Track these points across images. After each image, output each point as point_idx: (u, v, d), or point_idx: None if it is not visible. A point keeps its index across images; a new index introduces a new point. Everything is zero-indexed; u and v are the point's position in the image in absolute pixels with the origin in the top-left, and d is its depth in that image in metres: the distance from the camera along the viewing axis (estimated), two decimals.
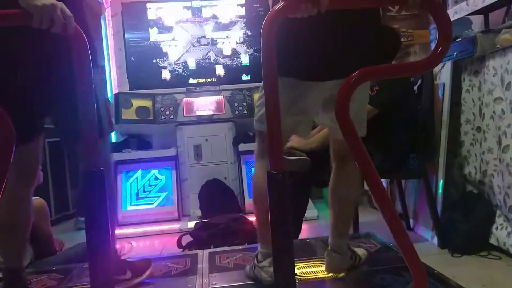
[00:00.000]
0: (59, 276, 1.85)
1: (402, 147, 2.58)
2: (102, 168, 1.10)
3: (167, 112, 3.86)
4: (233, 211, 3.35)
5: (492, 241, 2.29)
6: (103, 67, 3.61)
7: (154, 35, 4.02)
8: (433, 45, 2.26)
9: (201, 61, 4.07)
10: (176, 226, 3.51)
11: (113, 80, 4.10)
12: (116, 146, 3.82)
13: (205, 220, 2.98)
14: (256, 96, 3.72)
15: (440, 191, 2.56)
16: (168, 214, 3.65)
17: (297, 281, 1.49)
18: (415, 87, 2.74)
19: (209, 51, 4.08)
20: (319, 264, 1.74)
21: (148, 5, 4.02)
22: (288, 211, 1.07)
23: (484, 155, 2.33)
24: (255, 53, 4.08)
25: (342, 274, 1.64)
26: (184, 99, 3.90)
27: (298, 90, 1.50)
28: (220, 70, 4.07)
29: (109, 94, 3.76)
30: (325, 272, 1.66)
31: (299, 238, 2.36)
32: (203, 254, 2.01)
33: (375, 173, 1.12)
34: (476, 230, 2.32)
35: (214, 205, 3.52)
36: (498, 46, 2.17)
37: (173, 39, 4.04)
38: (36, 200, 2.13)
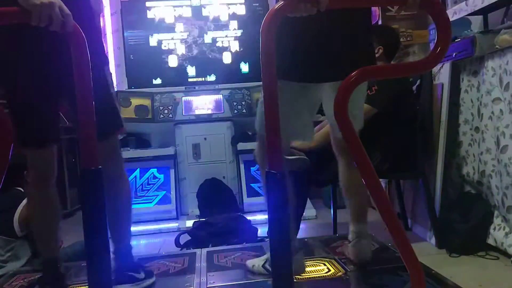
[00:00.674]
0: None
1: (401, 147, 2.59)
2: (100, 167, 1.10)
3: (166, 111, 3.85)
4: (231, 210, 3.35)
5: (490, 241, 2.29)
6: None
7: (153, 33, 4.01)
8: (432, 45, 2.27)
9: (200, 60, 4.06)
10: (174, 225, 3.50)
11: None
12: None
13: (204, 219, 2.98)
14: (255, 96, 3.73)
15: (438, 191, 2.57)
16: (166, 212, 3.65)
17: (295, 280, 1.50)
18: (414, 87, 2.74)
19: (208, 50, 4.08)
20: (317, 264, 1.75)
21: (147, 3, 4.02)
22: (287, 211, 1.07)
23: (482, 155, 2.33)
24: (255, 53, 4.07)
25: (341, 274, 1.64)
26: (183, 98, 3.89)
27: (298, 92, 1.51)
28: (219, 69, 4.06)
29: None
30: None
31: (297, 238, 2.36)
32: (201, 253, 2.01)
33: (373, 173, 1.12)
34: (474, 230, 2.33)
35: (213, 204, 3.52)
36: (497, 46, 2.17)
37: (172, 38, 4.04)
38: None
